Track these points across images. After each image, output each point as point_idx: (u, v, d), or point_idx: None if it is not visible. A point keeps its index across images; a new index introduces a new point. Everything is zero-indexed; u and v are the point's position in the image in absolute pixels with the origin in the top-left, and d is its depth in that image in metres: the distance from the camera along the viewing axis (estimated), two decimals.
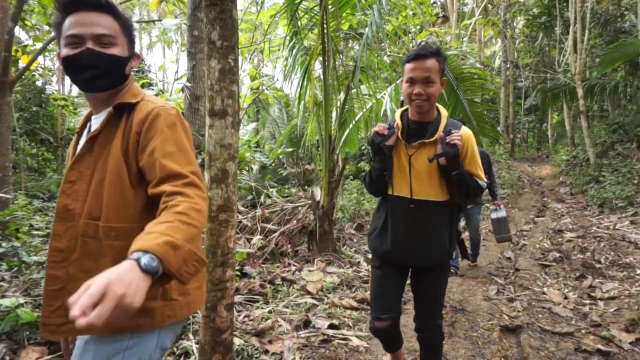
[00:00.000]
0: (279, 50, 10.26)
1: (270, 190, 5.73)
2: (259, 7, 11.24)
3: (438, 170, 1.94)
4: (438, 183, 1.97)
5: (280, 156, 11.51)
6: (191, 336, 2.93)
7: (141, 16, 20.85)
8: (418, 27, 10.32)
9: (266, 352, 2.79)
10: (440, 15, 12.97)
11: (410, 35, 11.26)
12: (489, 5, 17.65)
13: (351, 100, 5.38)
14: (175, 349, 2.83)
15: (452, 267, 5.00)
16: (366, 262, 4.97)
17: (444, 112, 2.02)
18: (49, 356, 2.43)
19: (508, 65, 18.56)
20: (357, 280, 4.36)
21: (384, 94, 5.74)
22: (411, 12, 7.87)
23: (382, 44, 8.27)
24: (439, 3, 17.00)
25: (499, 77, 18.84)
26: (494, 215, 5.22)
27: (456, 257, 4.96)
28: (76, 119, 13.86)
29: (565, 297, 4.12)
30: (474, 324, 3.55)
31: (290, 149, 11.25)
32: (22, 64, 8.31)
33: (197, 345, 2.77)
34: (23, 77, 7.53)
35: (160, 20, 8.76)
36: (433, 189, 1.98)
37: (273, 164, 9.47)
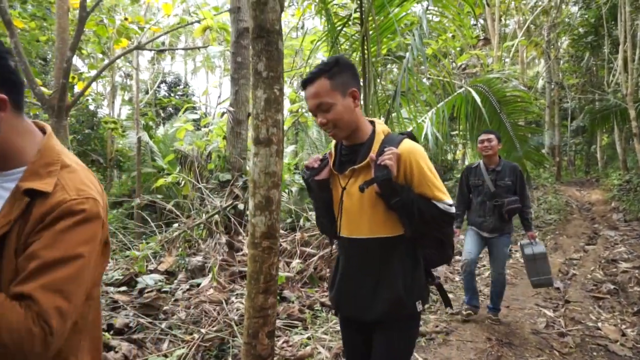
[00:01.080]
0: None
1: (310, 213, 5.75)
2: (299, 33, 11.53)
3: (381, 199, 1.58)
4: (383, 215, 1.60)
5: None
6: None
7: (186, 43, 21.80)
8: (458, 49, 10.25)
9: None
10: (482, 37, 12.85)
11: (450, 57, 11.19)
12: (532, 25, 17.34)
13: (391, 124, 5.35)
14: None
15: (489, 312, 4.23)
16: None
17: (381, 128, 1.67)
18: None
19: (553, 86, 18.04)
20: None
21: (425, 118, 5.69)
22: (451, 35, 7.84)
23: (422, 67, 8.26)
24: (479, 25, 16.87)
25: (542, 98, 18.33)
26: (528, 251, 4.10)
27: (496, 298, 4.21)
28: (124, 140, 14.51)
29: (623, 334, 3.85)
30: (522, 359, 3.37)
31: None
32: (77, 89, 8.83)
33: None
34: (77, 101, 7.98)
35: (206, 47, 9.13)
36: (375, 224, 1.62)
37: None
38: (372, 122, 1.72)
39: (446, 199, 1.58)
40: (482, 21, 15.76)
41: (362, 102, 5.70)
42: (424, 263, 1.71)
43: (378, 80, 5.25)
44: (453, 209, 1.60)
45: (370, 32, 4.86)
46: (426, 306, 4.35)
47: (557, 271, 6.30)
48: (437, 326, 3.85)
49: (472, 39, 10.06)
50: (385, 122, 5.09)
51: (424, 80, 7.68)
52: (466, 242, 4.27)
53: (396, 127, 5.51)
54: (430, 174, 1.58)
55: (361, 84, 5.02)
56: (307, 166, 1.78)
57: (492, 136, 4.10)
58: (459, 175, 15.15)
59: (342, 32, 5.09)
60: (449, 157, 18.13)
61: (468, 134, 6.44)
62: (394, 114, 5.10)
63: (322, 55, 8.69)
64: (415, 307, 1.63)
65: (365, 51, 4.86)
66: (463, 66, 11.31)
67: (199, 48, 12.15)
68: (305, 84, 1.62)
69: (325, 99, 1.56)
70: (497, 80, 6.43)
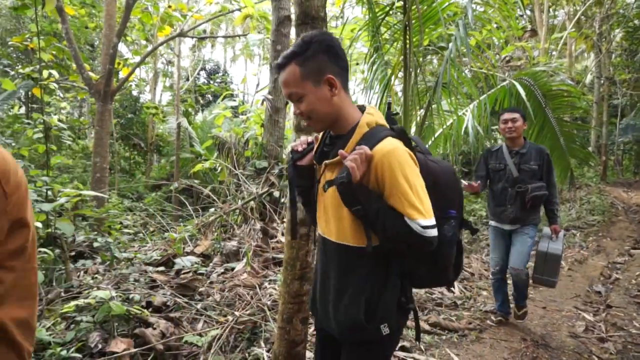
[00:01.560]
0: (357, 64, 10.34)
1: None
2: (339, 22, 11.44)
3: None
4: (350, 222, 1.38)
5: None
6: (262, 344, 2.99)
7: (227, 31, 22.06)
8: (502, 40, 9.91)
9: None
10: (528, 29, 12.36)
11: (494, 49, 10.84)
12: (582, 17, 16.54)
13: (431, 117, 5.26)
14: (247, 354, 2.90)
15: (498, 313, 3.96)
16: None
17: (367, 120, 1.41)
18: (135, 349, 2.60)
19: (602, 82, 17.19)
20: (430, 302, 4.22)
21: (466, 111, 5.56)
22: (495, 26, 7.58)
23: (465, 59, 8.04)
24: (526, 16, 16.23)
25: (590, 93, 17.51)
26: (543, 246, 3.68)
27: (502, 302, 3.92)
28: (164, 126, 14.91)
29: None
30: None
31: None
32: (122, 75, 9.12)
33: (269, 354, 2.82)
34: (122, 87, 8.25)
35: (246, 35, 9.21)
36: (341, 229, 1.41)
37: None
38: (363, 108, 1.49)
39: (420, 219, 1.27)
40: (529, 12, 15.15)
41: (399, 93, 5.64)
42: (409, 282, 1.47)
43: (418, 71, 5.15)
44: (431, 232, 1.29)
45: (413, 22, 4.76)
46: (460, 302, 4.33)
47: (598, 274, 6.06)
48: (470, 323, 3.79)
49: (518, 30, 9.70)
50: (425, 114, 5.00)
51: (466, 72, 7.49)
52: (491, 247, 3.97)
53: (436, 119, 5.41)
54: (404, 184, 1.29)
55: (400, 74, 4.94)
56: (292, 148, 1.58)
57: (516, 115, 3.64)
58: None
59: (384, 21, 5.02)
60: None
61: None
62: (434, 106, 5.00)
63: (362, 45, 8.60)
64: (379, 331, 1.38)
65: (407, 41, 4.78)
66: (507, 58, 10.93)
67: (239, 36, 12.28)
68: (277, 70, 1.43)
69: (295, 89, 1.37)
70: (543, 73, 6.18)
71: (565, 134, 6.38)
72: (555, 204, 3.69)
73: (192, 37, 11.79)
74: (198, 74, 17.92)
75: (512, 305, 4.04)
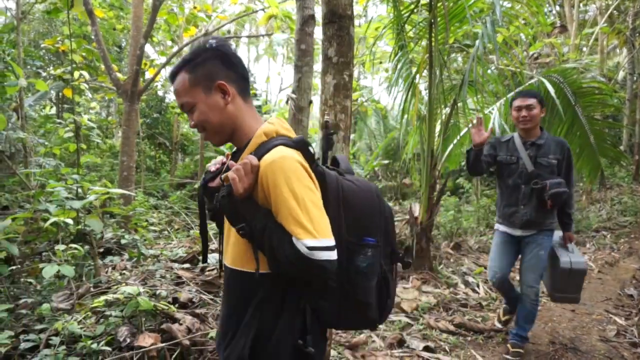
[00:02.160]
0: (380, 62, 10.28)
1: None
2: (363, 21, 11.41)
3: None
4: (244, 243, 1.22)
5: (376, 168, 11.48)
6: None
7: (251, 31, 22.24)
8: (530, 37, 9.68)
9: None
10: (557, 24, 12.05)
11: (522, 46, 10.61)
12: (615, 12, 16.02)
13: (456, 115, 5.19)
14: None
15: (510, 339, 3.30)
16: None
17: (264, 130, 1.25)
18: (162, 344, 2.64)
19: (635, 78, 16.61)
20: (455, 303, 4.16)
21: (492, 109, 5.46)
22: (523, 22, 7.42)
23: (491, 56, 7.90)
24: (554, 12, 15.82)
25: (622, 91, 16.96)
26: (565, 261, 3.12)
27: (522, 321, 3.27)
28: (189, 125, 15.12)
29: None
30: None
31: (386, 162, 11.17)
32: (148, 75, 9.30)
33: None
34: (148, 87, 8.41)
35: (270, 35, 9.26)
36: (236, 252, 1.26)
37: (368, 176, 9.46)
38: (264, 121, 1.33)
39: (306, 238, 1.08)
40: (558, 7, 14.76)
41: (423, 92, 5.58)
42: (318, 320, 1.24)
43: (444, 69, 5.09)
44: (321, 255, 1.08)
45: (438, 19, 4.71)
46: (485, 303, 4.25)
47: (630, 277, 5.86)
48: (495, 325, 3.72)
49: (546, 26, 9.46)
50: (450, 113, 4.94)
51: (492, 69, 7.35)
52: (492, 253, 3.35)
53: (461, 117, 5.33)
54: (290, 198, 1.11)
55: (425, 72, 4.89)
56: (207, 169, 1.42)
57: (532, 101, 3.05)
58: None
59: (409, 19, 4.97)
60: None
61: None
62: (459, 104, 4.93)
63: (385, 44, 8.54)
64: None
65: (432, 39, 4.72)
66: (535, 55, 10.68)
67: (263, 36, 12.37)
68: (170, 80, 1.32)
69: (185, 98, 1.26)
70: (573, 70, 6.01)
71: (596, 133, 6.19)
72: (572, 208, 3.19)
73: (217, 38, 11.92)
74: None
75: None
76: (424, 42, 5.19)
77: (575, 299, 3.35)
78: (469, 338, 3.45)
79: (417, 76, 4.98)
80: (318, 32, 2.31)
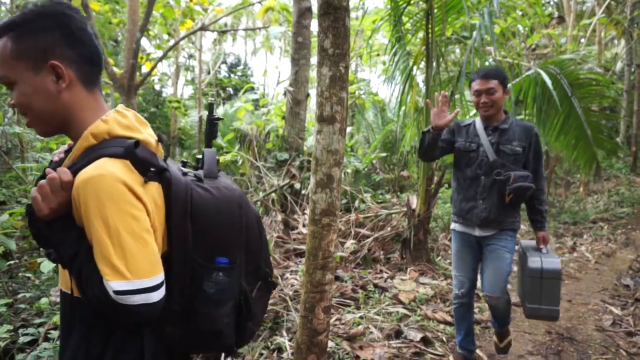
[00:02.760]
0: (378, 55, 10.25)
1: (365, 195, 5.74)
2: (360, 14, 11.36)
3: None
4: None
5: (374, 161, 11.48)
6: (285, 333, 3.03)
7: (247, 24, 22.12)
8: (528, 28, 9.66)
9: (357, 357, 2.79)
10: (555, 15, 12.01)
11: (519, 37, 10.58)
12: (613, 2, 15.97)
13: (454, 107, 5.18)
14: (269, 343, 2.94)
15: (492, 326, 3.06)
16: None
17: (94, 129, 1.01)
18: None
19: (633, 69, 16.61)
20: (452, 294, 4.18)
21: None
22: (521, 13, 7.40)
23: (489, 48, 7.88)
24: (552, 3, 15.76)
25: (620, 82, 16.95)
26: (534, 262, 2.57)
27: (466, 335, 2.87)
28: (186, 119, 15.10)
29: None
30: (584, 356, 3.22)
31: (384, 154, 11.16)
32: (145, 69, 9.26)
33: (291, 343, 2.85)
34: (145, 81, 8.38)
35: (267, 28, 9.22)
36: (63, 272, 1.07)
37: (366, 169, 9.47)
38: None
39: (115, 281, 0.90)
40: None
41: (421, 84, 5.58)
42: (163, 344, 1.05)
43: (441, 61, 5.08)
44: (131, 299, 0.90)
45: (435, 11, 4.69)
46: (482, 294, 4.27)
47: (627, 268, 5.90)
48: None
49: (544, 17, 9.43)
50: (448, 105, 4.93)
51: (490, 61, 7.34)
52: (453, 260, 2.87)
53: (459, 109, 5.33)
54: (102, 231, 0.91)
55: (422, 64, 4.88)
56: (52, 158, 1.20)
57: (493, 83, 2.57)
58: None
59: (406, 10, 4.95)
60: None
61: (535, 118, 6.11)
62: (457, 96, 4.93)
63: (383, 36, 8.51)
64: None
65: (430, 31, 4.71)
66: (533, 46, 10.66)
67: (260, 29, 12.32)
68: None
69: (3, 70, 0.99)
70: (570, 61, 6.01)
71: (592, 124, 6.20)
72: (544, 204, 2.68)
73: (214, 31, 11.88)
74: (219, 67, 18.07)
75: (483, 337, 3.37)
76: (421, 34, 5.18)
77: (551, 313, 2.65)
78: None
79: (415, 68, 4.97)
80: (315, 25, 2.30)
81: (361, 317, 3.41)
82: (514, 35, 9.29)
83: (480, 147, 2.62)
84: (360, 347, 2.89)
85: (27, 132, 5.00)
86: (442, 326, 3.42)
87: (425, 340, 3.11)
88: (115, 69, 7.56)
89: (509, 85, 3.68)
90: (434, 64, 4.83)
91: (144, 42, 10.02)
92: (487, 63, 5.81)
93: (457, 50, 9.78)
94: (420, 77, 6.21)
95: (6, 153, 5.56)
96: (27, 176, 4.89)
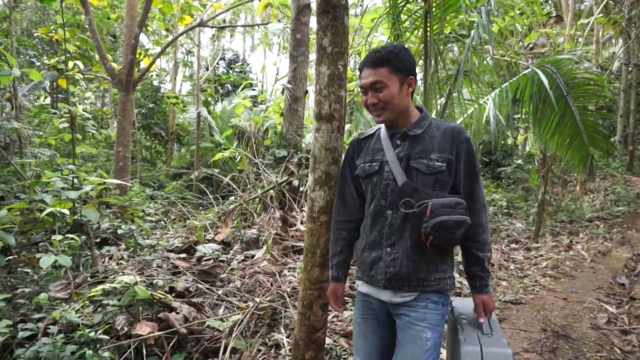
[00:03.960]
0: None
1: None
2: (359, 11, 11.35)
3: None
4: None
5: None
6: (282, 330, 3.05)
7: (246, 20, 22.05)
8: (526, 27, 9.67)
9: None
10: (553, 14, 12.03)
11: (517, 36, 10.60)
12: (611, 1, 15.99)
13: (451, 105, 5.20)
14: (267, 340, 2.96)
15: None
16: None
17: None
18: (160, 332, 2.68)
19: (630, 69, 16.66)
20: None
21: (487, 99, 5.48)
22: (519, 12, 7.41)
23: (487, 47, 7.89)
24: (550, 2, 15.78)
25: (618, 81, 16.99)
26: (470, 352, 1.64)
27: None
28: (184, 115, 15.07)
29: None
30: (579, 354, 3.25)
31: None
32: (143, 65, 9.22)
33: (289, 340, 2.87)
34: (143, 77, 8.36)
35: (266, 24, 9.21)
36: None
37: None
38: None
39: None
40: None
41: (419, 82, 5.57)
42: None
43: (439, 59, 5.09)
44: None
45: (434, 9, 4.70)
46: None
47: (622, 266, 5.95)
48: None
49: (542, 16, 9.45)
50: (446, 103, 4.96)
51: (488, 60, 7.36)
52: (354, 338, 1.92)
53: (457, 107, 5.35)
54: None
55: (420, 63, 4.89)
56: None
57: (381, 73, 1.68)
58: (518, 162, 14.25)
59: (404, 9, 4.96)
60: (509, 141, 17.38)
61: (531, 117, 6.14)
62: (454, 94, 4.95)
63: (381, 33, 8.51)
64: None
65: (428, 29, 4.72)
66: (531, 45, 10.68)
67: (259, 25, 12.29)
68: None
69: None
70: (567, 61, 6.03)
71: (588, 124, 6.23)
72: (486, 248, 1.71)
73: (212, 27, 11.85)
74: (217, 63, 18.03)
75: None
76: (419, 33, 5.19)
77: None
78: None
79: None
80: (314, 22, 2.31)
81: None
82: (512, 34, 9.31)
83: (385, 165, 1.74)
84: None
85: (25, 128, 5.00)
86: None
87: None
88: (113, 65, 7.53)
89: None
90: (432, 62, 4.84)
91: (142, 37, 9.99)
92: (485, 62, 5.84)
93: (455, 49, 9.79)
94: (418, 75, 6.22)
95: (4, 148, 5.55)
96: (26, 172, 4.89)
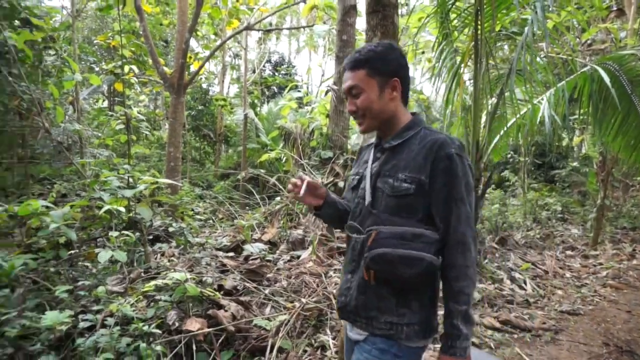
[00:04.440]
0: (423, 52, 10.06)
1: None
2: (404, 11, 11.19)
3: None
4: None
5: None
6: (328, 331, 3.04)
7: (291, 23, 22.31)
8: (583, 22, 9.18)
9: None
10: (614, 8, 11.34)
11: (575, 32, 10.09)
12: None
13: (503, 106, 5.01)
14: (313, 341, 2.96)
15: None
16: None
17: None
18: (209, 329, 2.74)
19: None
20: (500, 299, 4.06)
21: (542, 99, 5.24)
22: (576, 6, 7.05)
23: (541, 44, 7.56)
24: None
25: None
26: None
27: None
28: (232, 117, 15.43)
29: None
30: None
31: None
32: (193, 68, 9.52)
33: (335, 342, 2.86)
34: (193, 80, 8.63)
35: (311, 26, 9.27)
36: None
37: None
38: None
39: None
40: None
41: (467, 82, 5.42)
42: None
43: (491, 58, 4.92)
44: None
45: (485, 7, 4.55)
46: (532, 300, 4.12)
47: None
48: (544, 323, 3.60)
49: (602, 10, 8.94)
50: (497, 103, 4.79)
51: (542, 57, 7.04)
52: None
53: (509, 108, 5.16)
54: None
55: (470, 62, 4.75)
56: None
57: (358, 76, 1.46)
58: (573, 165, 13.54)
59: (453, 7, 4.84)
60: (564, 143, 16.56)
61: (590, 117, 5.81)
62: (506, 94, 4.76)
63: (428, 33, 8.35)
64: None
65: (479, 27, 4.57)
66: (589, 42, 10.12)
67: (304, 27, 12.39)
68: None
69: None
70: (630, 57, 5.65)
71: None
72: (460, 296, 1.33)
73: (259, 30, 12.07)
74: (264, 66, 18.34)
75: None
76: (469, 31, 5.04)
77: None
78: (515, 336, 3.36)
79: (464, 66, 4.85)
80: (359, 23, 2.28)
81: None
82: (568, 30, 8.85)
83: (363, 181, 1.55)
84: None
85: (85, 129, 5.28)
86: (489, 332, 3.32)
87: (472, 345, 3.03)
88: (165, 69, 7.83)
89: (561, 83, 3.40)
90: (483, 61, 4.68)
91: (192, 42, 10.33)
92: (538, 60, 5.58)
93: (506, 47, 9.45)
94: (467, 75, 6.05)
95: (67, 149, 5.90)
96: (86, 171, 5.17)
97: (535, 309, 4.00)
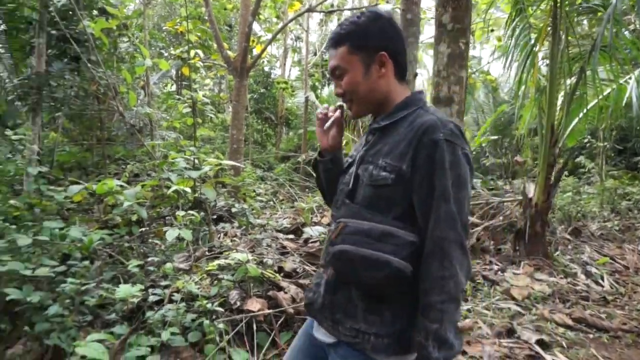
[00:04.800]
0: (492, 30, 9.50)
1: (474, 181, 5.41)
2: None
3: None
4: None
5: (483, 144, 10.80)
6: None
7: (354, 3, 21.92)
8: None
9: (464, 353, 2.65)
10: None
11: None
12: None
13: (584, 86, 4.61)
14: None
15: None
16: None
17: None
18: (269, 310, 2.78)
19: None
20: (573, 294, 3.79)
21: (629, 78, 4.76)
22: None
23: (629, 17, 6.86)
24: None
25: None
26: None
27: None
28: (293, 100, 15.55)
29: None
30: None
31: (495, 137, 10.44)
32: (256, 52, 9.63)
33: None
34: (255, 63, 8.75)
35: (374, 6, 9.03)
36: None
37: (474, 152, 8.94)
38: None
39: None
40: None
41: (541, 61, 5.00)
42: None
43: (572, 34, 4.53)
44: None
45: None
46: (610, 298, 3.81)
47: None
48: (624, 324, 3.31)
49: None
50: (577, 83, 4.41)
51: (631, 31, 6.37)
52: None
53: (590, 88, 4.74)
54: None
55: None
56: None
57: (339, 55, 1.25)
58: None
59: None
60: None
61: None
62: (588, 73, 4.37)
63: (499, 9, 7.86)
64: None
65: (558, 0, 4.21)
66: None
67: (367, 7, 12.11)
68: None
69: None
70: None
71: None
72: (431, 312, 1.07)
73: (320, 12, 11.96)
74: (325, 48, 18.26)
75: None
76: (546, 5, 4.65)
77: None
78: (590, 335, 3.12)
79: (540, 43, 4.50)
80: (424, 2, 2.15)
81: (469, 310, 3.24)
82: None
83: (352, 166, 1.33)
84: (468, 343, 2.75)
85: (155, 112, 5.52)
86: (561, 329, 3.11)
87: (542, 343, 2.85)
88: (229, 53, 7.98)
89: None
90: (562, 37, 4.32)
91: (255, 25, 10.45)
92: (626, 34, 5.06)
93: (585, 22, 8.68)
94: (541, 53, 5.63)
95: (139, 131, 6.22)
96: (156, 152, 5.42)
97: (614, 307, 3.69)
